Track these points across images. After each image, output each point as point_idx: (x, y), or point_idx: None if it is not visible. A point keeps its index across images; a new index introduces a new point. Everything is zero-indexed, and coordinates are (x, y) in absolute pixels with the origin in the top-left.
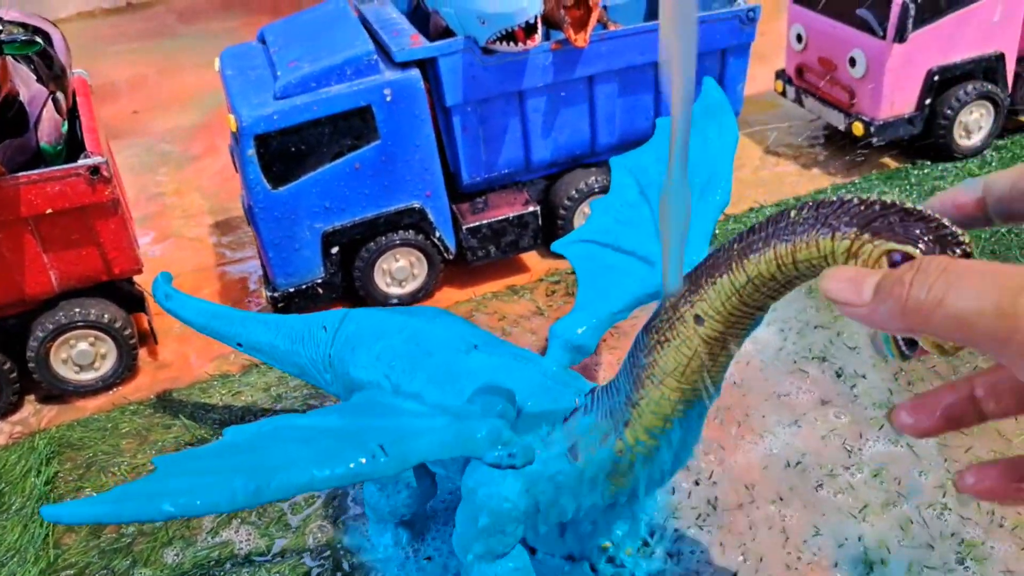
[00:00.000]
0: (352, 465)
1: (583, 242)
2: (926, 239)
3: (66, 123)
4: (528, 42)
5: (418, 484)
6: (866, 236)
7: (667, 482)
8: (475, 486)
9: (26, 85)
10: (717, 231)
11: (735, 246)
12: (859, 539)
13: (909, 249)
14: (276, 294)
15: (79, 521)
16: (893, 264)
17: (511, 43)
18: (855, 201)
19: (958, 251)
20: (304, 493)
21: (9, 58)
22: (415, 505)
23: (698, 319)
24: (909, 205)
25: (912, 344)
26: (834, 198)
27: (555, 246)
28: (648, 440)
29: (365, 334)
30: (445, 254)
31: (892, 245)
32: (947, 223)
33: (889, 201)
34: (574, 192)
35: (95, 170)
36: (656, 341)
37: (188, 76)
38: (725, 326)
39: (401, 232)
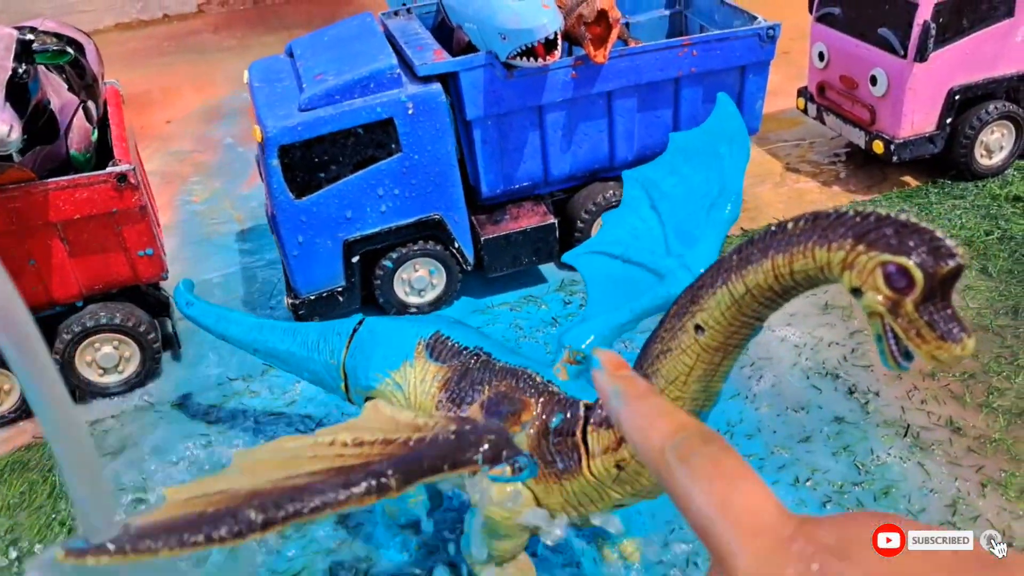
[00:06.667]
0: None
1: (594, 253)
2: (920, 251)
3: (96, 131)
4: (548, 58)
5: (427, 495)
6: (861, 247)
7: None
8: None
9: (57, 94)
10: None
11: (734, 258)
12: None
13: (903, 260)
14: (297, 301)
15: None
16: (888, 275)
17: (531, 59)
18: (851, 213)
19: (951, 263)
20: None
21: (41, 67)
22: (424, 513)
23: (698, 328)
24: (904, 217)
25: (908, 354)
26: (831, 210)
27: (566, 257)
28: None
29: (380, 341)
30: (464, 264)
31: (886, 257)
32: (940, 235)
33: (884, 213)
34: (592, 205)
35: (123, 177)
36: (659, 351)
37: (221, 88)
38: (725, 335)
39: (421, 243)
